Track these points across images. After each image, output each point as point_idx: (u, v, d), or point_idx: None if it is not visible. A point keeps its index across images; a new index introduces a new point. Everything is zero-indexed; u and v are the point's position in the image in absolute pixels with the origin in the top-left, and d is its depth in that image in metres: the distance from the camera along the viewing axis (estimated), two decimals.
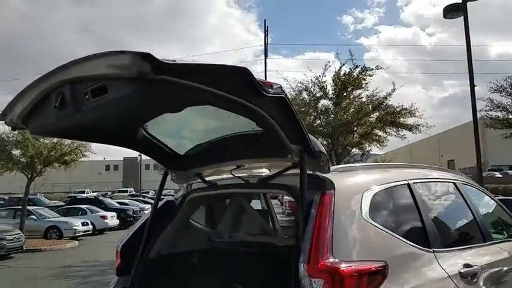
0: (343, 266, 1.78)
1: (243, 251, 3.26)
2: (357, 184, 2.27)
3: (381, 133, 14.29)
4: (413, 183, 2.62)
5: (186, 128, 2.94)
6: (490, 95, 14.89)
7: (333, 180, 2.13)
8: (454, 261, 2.42)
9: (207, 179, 2.87)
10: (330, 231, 1.88)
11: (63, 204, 25.40)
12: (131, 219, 21.75)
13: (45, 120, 1.90)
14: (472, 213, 3.06)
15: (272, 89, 1.71)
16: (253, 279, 3.18)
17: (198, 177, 2.89)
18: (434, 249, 2.33)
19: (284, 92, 1.76)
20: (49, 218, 17.63)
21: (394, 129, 13.93)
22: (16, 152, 14.91)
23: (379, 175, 2.54)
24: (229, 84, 1.62)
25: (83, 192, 39.13)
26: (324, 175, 2.17)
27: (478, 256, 2.71)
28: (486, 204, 3.55)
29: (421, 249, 2.24)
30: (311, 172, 2.17)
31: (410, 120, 13.68)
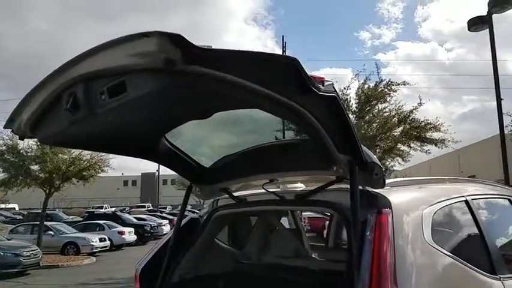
0: None
1: (274, 276, 2.94)
2: (415, 201, 1.95)
3: (404, 148, 13.84)
4: (472, 199, 2.30)
5: (212, 137, 2.69)
6: None
7: (388, 196, 1.82)
8: None
9: (235, 194, 2.60)
10: (391, 258, 1.57)
11: (81, 219, 25.43)
12: (149, 234, 21.60)
13: (56, 127, 1.64)
14: None
15: (323, 86, 1.42)
16: None
17: (225, 192, 2.61)
18: (501, 276, 2.01)
19: (336, 91, 1.48)
20: (67, 233, 17.57)
21: (419, 144, 13.48)
22: (35, 167, 14.93)
23: (435, 191, 2.23)
24: (277, 80, 1.34)
25: (101, 207, 39.31)
26: (377, 191, 1.87)
27: None
28: None
29: (488, 276, 1.93)
30: (360, 187, 1.87)
31: (435, 135, 13.26)
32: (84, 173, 15.16)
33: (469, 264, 1.87)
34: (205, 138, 2.67)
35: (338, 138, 1.68)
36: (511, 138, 14.96)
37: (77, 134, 1.73)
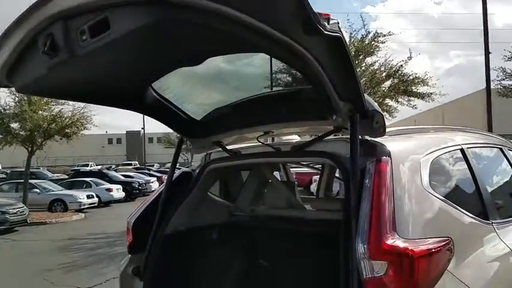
0: (411, 246, 1.46)
1: (268, 226, 2.96)
2: (413, 149, 1.93)
3: (392, 103, 13.86)
4: (467, 148, 2.31)
5: (200, 91, 2.58)
6: (504, 63, 14.48)
7: (386, 145, 1.78)
8: None
9: (228, 148, 2.54)
10: (390, 206, 1.55)
11: (67, 177, 25.28)
12: (137, 191, 21.67)
13: (34, 74, 1.50)
14: None
15: (328, 24, 1.31)
16: (282, 256, 2.90)
17: (218, 145, 2.55)
18: (493, 222, 2.06)
19: (341, 31, 1.37)
20: (53, 191, 17.53)
21: (407, 99, 13.49)
22: (15, 125, 14.52)
23: (432, 139, 2.21)
24: (279, 14, 1.22)
25: (87, 165, 38.98)
26: (375, 139, 1.82)
27: None
28: None
29: (481, 221, 1.97)
30: (359, 136, 1.81)
31: (422, 89, 13.25)
32: (66, 131, 14.81)
33: (463, 210, 1.89)
34: (194, 92, 2.56)
35: (340, 85, 1.60)
36: (498, 91, 15.13)
37: (58, 81, 1.60)
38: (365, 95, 1.71)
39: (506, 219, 2.24)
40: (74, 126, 14.95)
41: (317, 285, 2.74)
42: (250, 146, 2.51)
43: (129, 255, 2.52)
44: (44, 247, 9.31)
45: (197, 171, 2.69)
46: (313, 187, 13.42)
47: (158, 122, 2.41)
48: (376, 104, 1.80)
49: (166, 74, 1.97)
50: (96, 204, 17.76)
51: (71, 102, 13.10)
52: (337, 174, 4.88)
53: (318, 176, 4.81)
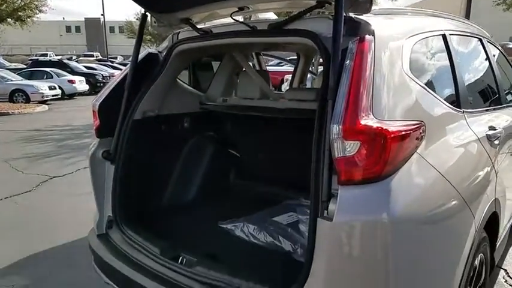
0: (386, 127, 1.45)
1: (241, 116, 2.92)
2: (397, 30, 1.82)
3: None
4: (449, 34, 2.23)
5: None
6: None
7: (370, 23, 1.66)
8: (480, 123, 2.23)
9: (198, 26, 2.33)
10: (370, 87, 1.49)
11: (25, 67, 23.85)
12: (101, 84, 20.82)
13: None
14: (494, 74, 2.80)
15: None
16: (257, 144, 2.92)
17: (187, 23, 2.34)
18: (464, 111, 2.08)
19: None
20: (12, 80, 16.65)
21: None
22: None
23: (416, 22, 2.10)
24: None
25: (45, 55, 36.68)
26: (359, 17, 1.69)
27: (499, 119, 2.54)
28: (504, 66, 3.26)
29: (453, 109, 1.98)
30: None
31: None
32: (20, 13, 13.54)
33: (438, 97, 1.89)
34: None
35: None
36: None
37: None
38: None
39: (476, 110, 2.28)
40: (28, 8, 13.61)
41: (288, 168, 2.82)
42: (223, 24, 2.31)
43: (98, 139, 2.45)
44: (8, 137, 9.10)
45: (164, 53, 2.50)
46: (285, 87, 13.29)
47: None
48: None
49: None
50: (59, 96, 17.17)
51: None
52: (311, 68, 4.80)
53: (290, 76, 4.70)
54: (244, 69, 3.15)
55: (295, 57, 4.45)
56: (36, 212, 4.47)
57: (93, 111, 2.38)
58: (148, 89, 2.44)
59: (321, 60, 6.48)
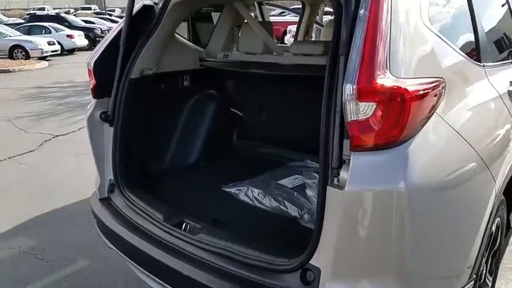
0: (405, 86, 1.31)
1: (244, 73, 2.75)
2: None
3: None
4: None
5: None
6: None
7: None
8: (502, 78, 2.08)
9: None
10: (387, 40, 1.33)
11: (23, 21, 23.24)
12: (100, 39, 20.25)
13: None
14: None
15: None
16: (262, 101, 2.78)
17: None
18: (485, 64, 1.93)
19: None
20: (11, 36, 16.29)
21: None
22: None
23: None
24: None
25: (43, 9, 35.67)
26: None
27: None
28: None
29: (473, 63, 1.83)
30: None
31: None
32: None
33: (459, 50, 1.72)
34: None
35: None
36: None
37: None
38: None
39: (497, 63, 2.12)
40: None
41: (293, 129, 2.71)
42: None
43: (95, 100, 2.32)
44: (11, 96, 8.99)
45: (160, 4, 2.31)
46: (288, 38, 12.79)
47: None
48: None
49: None
50: (59, 52, 16.84)
51: None
52: (317, 19, 4.53)
53: (295, 26, 4.44)
54: (246, 20, 2.96)
55: (299, 6, 4.19)
56: (40, 172, 4.45)
57: (89, 70, 2.24)
58: (144, 45, 2.29)
59: (325, 8, 6.15)
